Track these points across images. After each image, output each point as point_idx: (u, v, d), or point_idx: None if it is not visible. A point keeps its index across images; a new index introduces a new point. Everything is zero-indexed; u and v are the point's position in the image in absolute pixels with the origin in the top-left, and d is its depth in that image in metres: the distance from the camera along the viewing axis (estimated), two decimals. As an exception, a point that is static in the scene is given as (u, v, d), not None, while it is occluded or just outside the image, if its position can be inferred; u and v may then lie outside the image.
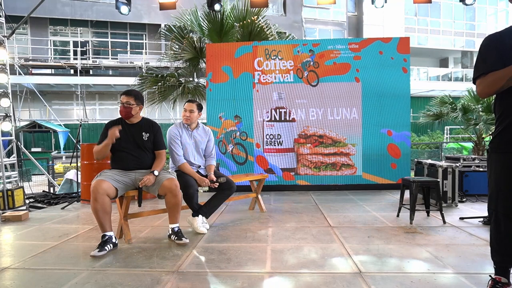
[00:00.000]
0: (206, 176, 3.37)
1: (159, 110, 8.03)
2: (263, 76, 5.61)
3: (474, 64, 1.83)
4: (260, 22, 6.93)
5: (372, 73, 5.48)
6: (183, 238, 2.84)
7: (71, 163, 6.24)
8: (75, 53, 15.59)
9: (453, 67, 23.92)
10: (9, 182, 4.84)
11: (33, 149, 12.25)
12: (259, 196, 4.10)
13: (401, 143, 5.49)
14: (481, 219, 3.44)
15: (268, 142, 5.62)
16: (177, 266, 2.35)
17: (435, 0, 20.46)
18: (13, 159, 4.98)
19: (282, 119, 5.61)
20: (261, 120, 5.63)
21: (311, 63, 5.57)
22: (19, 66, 14.24)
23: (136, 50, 17.06)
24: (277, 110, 5.61)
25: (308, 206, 4.41)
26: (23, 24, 11.48)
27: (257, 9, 6.86)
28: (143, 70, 13.42)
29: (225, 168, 5.61)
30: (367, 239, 2.91)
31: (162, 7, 5.74)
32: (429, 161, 4.62)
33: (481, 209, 4.03)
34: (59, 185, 6.10)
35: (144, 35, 17.67)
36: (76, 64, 15.03)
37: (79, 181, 5.25)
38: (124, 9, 5.72)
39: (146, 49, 17.05)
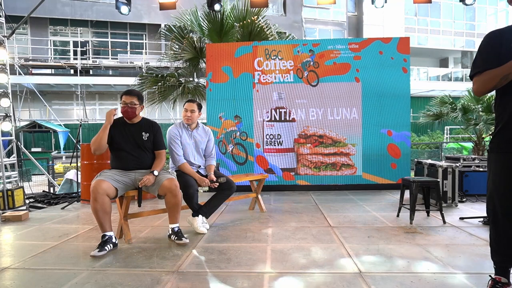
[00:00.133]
0: (206, 176, 3.37)
1: (159, 110, 8.04)
2: (263, 76, 5.61)
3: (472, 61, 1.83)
4: (260, 22, 6.93)
5: (372, 73, 5.48)
6: (183, 238, 2.84)
7: (71, 163, 6.24)
8: (75, 53, 15.59)
9: (453, 67, 23.92)
10: (9, 182, 4.84)
11: (33, 149, 12.25)
12: (259, 196, 4.10)
13: (401, 143, 5.49)
14: (481, 219, 3.44)
15: (268, 142, 5.62)
16: (177, 266, 2.35)
17: (435, 0, 20.46)
18: (13, 159, 4.98)
19: (282, 119, 5.61)
20: (261, 120, 5.63)
21: (311, 63, 5.57)
22: (19, 66, 14.24)
23: (136, 50, 17.06)
24: (277, 110, 5.62)
25: (308, 206, 4.41)
26: (23, 24, 11.48)
27: (257, 9, 6.86)
28: (143, 70, 13.42)
29: (225, 168, 5.61)
30: (367, 239, 2.91)
31: (162, 7, 5.74)
32: (429, 161, 4.62)
33: (481, 209, 4.03)
34: (59, 185, 6.10)
35: (144, 35, 17.67)
36: (76, 64, 15.04)
37: (79, 181, 5.25)
38: (124, 9, 5.73)
39: (146, 49, 17.05)
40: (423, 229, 3.21)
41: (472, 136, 7.49)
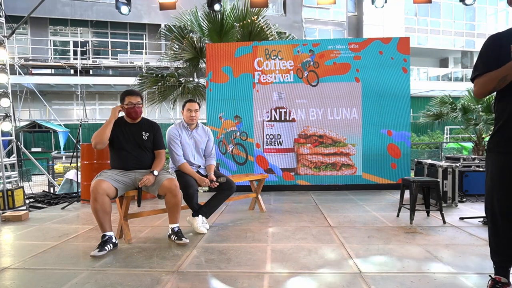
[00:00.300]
0: (206, 176, 3.37)
1: (159, 110, 8.03)
2: (263, 76, 5.61)
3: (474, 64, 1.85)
4: (260, 22, 6.93)
5: (372, 73, 5.48)
6: (183, 238, 2.84)
7: (71, 163, 6.24)
8: (75, 53, 15.59)
9: (453, 67, 23.92)
10: (9, 182, 4.84)
11: (33, 149, 12.25)
12: (259, 196, 4.10)
13: (401, 143, 5.49)
14: (481, 219, 3.44)
15: (268, 142, 5.62)
16: (177, 266, 2.35)
17: (435, 0, 20.46)
18: (13, 159, 4.98)
19: (282, 119, 5.61)
20: (261, 120, 5.63)
21: (311, 63, 5.57)
22: (19, 66, 14.24)
23: (136, 50, 17.06)
24: (277, 110, 5.61)
25: (308, 206, 4.41)
26: (23, 24, 11.48)
27: (257, 9, 6.86)
28: (143, 70, 13.43)
29: (225, 168, 5.61)
30: (367, 239, 2.91)
31: (162, 7, 5.74)
32: (429, 161, 4.62)
33: (481, 209, 4.03)
34: (59, 185, 6.10)
35: (144, 35, 17.67)
36: (76, 64, 15.03)
37: (79, 181, 5.25)
38: (124, 9, 5.73)
39: (146, 49, 17.05)
40: (423, 229, 3.21)
41: (472, 136, 7.49)
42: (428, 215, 3.71)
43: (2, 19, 4.87)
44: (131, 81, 9.53)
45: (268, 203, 4.59)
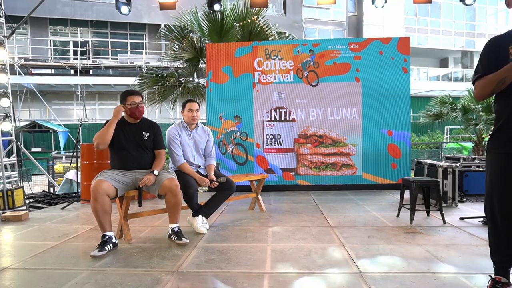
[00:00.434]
0: (206, 176, 3.37)
1: (159, 110, 8.03)
2: (263, 76, 5.61)
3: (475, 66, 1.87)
4: (260, 22, 6.93)
5: (372, 73, 5.48)
6: (183, 238, 2.84)
7: (71, 163, 6.24)
8: (75, 53, 15.59)
9: (453, 67, 23.92)
10: (9, 182, 4.84)
11: (33, 149, 12.25)
12: (259, 196, 4.10)
13: (401, 143, 5.49)
14: (481, 219, 3.44)
15: (268, 142, 5.62)
16: (177, 266, 2.35)
17: (435, 0, 20.46)
18: (13, 159, 4.98)
19: (282, 119, 5.61)
20: (261, 120, 5.63)
21: (311, 63, 5.57)
22: (19, 66, 14.24)
23: (136, 50, 17.06)
24: (277, 110, 5.61)
25: (308, 206, 4.41)
26: (23, 24, 11.48)
27: (257, 9, 6.86)
28: (143, 70, 13.42)
29: (225, 168, 5.61)
30: (367, 239, 2.91)
31: (162, 7, 5.74)
32: (429, 161, 4.62)
33: (481, 209, 4.02)
34: (59, 185, 6.10)
35: (144, 35, 17.67)
36: (76, 64, 15.04)
37: (79, 181, 5.25)
38: (124, 9, 5.73)
39: (146, 49, 17.05)
40: (423, 229, 3.21)
41: (472, 136, 7.49)
42: (428, 215, 3.71)
43: (2, 19, 4.87)
44: (131, 81, 9.53)
45: (268, 203, 4.59)
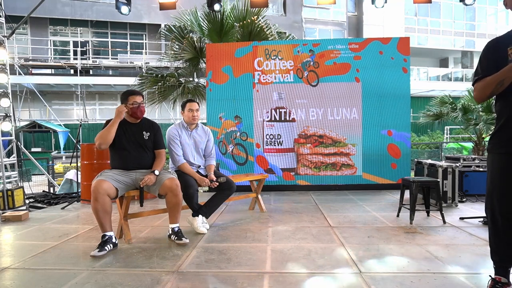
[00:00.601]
0: (206, 176, 3.37)
1: (159, 110, 8.03)
2: (263, 76, 5.61)
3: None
4: (260, 22, 6.93)
5: (372, 73, 5.48)
6: (183, 238, 2.84)
7: (71, 163, 6.24)
8: (75, 53, 15.59)
9: (453, 67, 23.92)
10: (9, 182, 4.84)
11: (33, 149, 12.25)
12: (259, 196, 4.10)
13: (401, 143, 5.49)
14: (481, 219, 3.44)
15: (268, 142, 5.62)
16: (177, 266, 2.35)
17: (435, 0, 20.46)
18: (13, 159, 4.98)
19: (282, 119, 5.61)
20: (261, 120, 5.63)
21: (311, 63, 5.57)
22: (19, 66, 14.24)
23: (136, 50, 17.06)
24: (277, 110, 5.61)
25: (308, 206, 4.41)
26: (23, 24, 11.49)
27: (257, 9, 6.86)
28: (143, 70, 13.42)
29: (225, 168, 5.61)
30: (367, 239, 2.91)
31: (162, 7, 5.74)
32: (429, 161, 4.62)
33: (481, 209, 4.02)
34: (59, 185, 6.10)
35: (144, 35, 17.67)
36: (76, 64, 15.04)
37: (79, 181, 5.25)
38: (124, 9, 5.73)
39: (146, 49, 17.05)
40: (423, 229, 3.21)
41: (472, 136, 7.49)
42: (428, 215, 3.71)
43: (2, 19, 4.87)
44: (131, 81, 9.53)
45: (268, 203, 4.59)
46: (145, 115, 3.10)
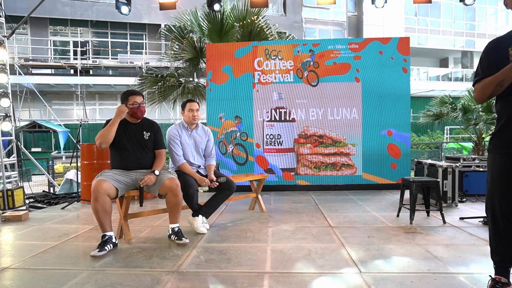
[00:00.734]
0: (206, 176, 3.37)
1: (159, 110, 8.04)
2: (263, 76, 5.61)
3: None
4: (260, 22, 6.93)
5: (372, 73, 5.48)
6: (183, 238, 2.84)
7: (71, 163, 6.24)
8: (75, 53, 15.59)
9: (453, 67, 23.92)
10: (9, 182, 4.84)
11: (33, 149, 12.25)
12: (259, 196, 4.10)
13: (401, 143, 5.49)
14: (481, 219, 3.44)
15: (268, 142, 5.62)
16: (177, 266, 2.35)
17: (435, 0, 20.45)
18: (13, 159, 4.98)
19: (282, 119, 5.61)
20: (261, 120, 5.63)
21: (311, 63, 5.57)
22: (19, 66, 14.24)
23: (136, 50, 17.06)
24: (277, 110, 5.61)
25: (308, 206, 4.41)
26: (23, 24, 11.48)
27: (257, 9, 6.86)
28: (143, 70, 13.42)
29: (225, 169, 5.61)
30: (367, 239, 2.91)
31: (162, 7, 5.74)
32: (429, 161, 4.62)
33: (481, 209, 4.02)
34: (59, 185, 6.10)
35: (144, 35, 17.67)
36: (76, 64, 15.04)
37: (79, 181, 5.25)
38: (124, 9, 5.73)
39: (146, 49, 17.05)
40: (423, 229, 3.21)
41: (472, 136, 7.49)
42: (428, 215, 3.71)
43: (2, 19, 4.87)
44: (131, 81, 9.53)
45: (268, 203, 4.59)
46: (145, 115, 3.10)
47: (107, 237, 2.69)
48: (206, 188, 3.36)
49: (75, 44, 16.14)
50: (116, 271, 2.28)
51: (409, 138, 5.54)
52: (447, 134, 14.53)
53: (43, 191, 6.24)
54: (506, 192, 1.76)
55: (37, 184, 7.06)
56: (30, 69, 15.38)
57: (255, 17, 6.91)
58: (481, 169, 4.87)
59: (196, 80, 7.83)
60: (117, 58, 16.74)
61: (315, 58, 5.56)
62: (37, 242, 3.00)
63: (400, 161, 5.48)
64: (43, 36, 16.55)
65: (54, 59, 16.27)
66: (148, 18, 16.80)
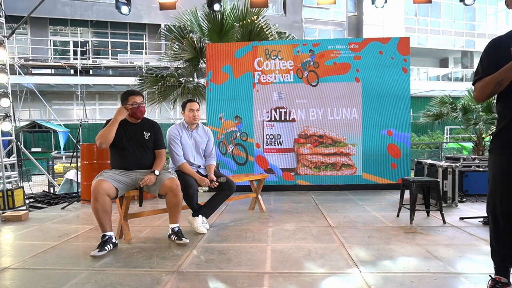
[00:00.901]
0: (206, 176, 3.37)
1: (159, 110, 8.04)
2: (263, 76, 5.61)
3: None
4: (260, 22, 6.93)
5: (372, 73, 5.48)
6: (183, 238, 2.84)
7: (71, 163, 6.24)
8: (75, 53, 15.59)
9: (453, 67, 23.91)
10: (9, 182, 4.84)
11: (33, 149, 12.25)
12: (259, 196, 4.10)
13: (401, 143, 5.49)
14: (481, 219, 3.44)
15: (268, 142, 5.62)
16: (177, 266, 2.35)
17: (435, 0, 20.45)
18: (13, 159, 4.98)
19: (282, 119, 5.61)
20: (261, 120, 5.63)
21: (311, 63, 5.57)
22: (19, 66, 14.24)
23: (136, 50, 17.06)
24: (277, 110, 5.61)
25: (308, 206, 4.41)
26: (23, 24, 11.49)
27: (257, 9, 6.86)
28: (143, 70, 13.42)
29: (226, 169, 5.61)
30: (367, 239, 2.91)
31: (162, 7, 5.74)
32: (429, 161, 4.62)
33: (481, 209, 4.03)
34: (59, 185, 6.10)
35: (144, 35, 17.67)
36: (76, 64, 15.04)
37: (79, 181, 5.25)
38: (124, 9, 5.73)
39: (146, 49, 17.05)
40: (423, 229, 3.21)
41: (472, 136, 7.49)
42: (428, 215, 3.71)
43: (2, 19, 4.86)
44: (131, 81, 9.53)
45: (268, 203, 4.59)
46: (145, 115, 3.10)
47: (107, 237, 2.69)
48: (206, 188, 3.36)
49: (75, 44, 16.14)
50: (116, 271, 2.28)
51: (409, 138, 5.54)
52: (447, 134, 14.54)
53: (43, 191, 6.24)
54: (507, 192, 1.76)
55: (37, 184, 7.06)
56: (30, 69, 15.38)
57: (255, 17, 6.91)
58: (481, 169, 4.87)
59: (196, 80, 7.83)
60: (117, 58, 16.74)
61: (315, 58, 5.56)
62: (37, 242, 3.00)
63: (400, 161, 5.48)
64: (43, 36, 16.55)
65: (54, 59, 16.27)
66: (148, 18, 16.80)
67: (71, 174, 5.87)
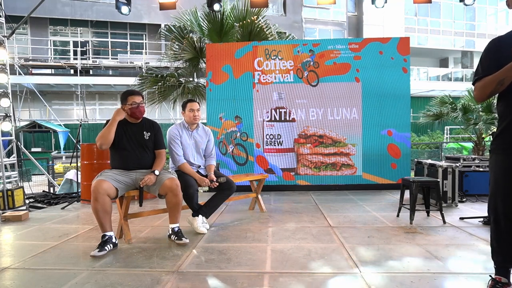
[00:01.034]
0: (206, 176, 3.37)
1: (159, 110, 8.04)
2: (263, 76, 5.61)
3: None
4: (260, 22, 6.93)
5: (372, 73, 5.48)
6: (183, 238, 2.84)
7: (71, 163, 6.24)
8: (75, 53, 15.59)
9: (453, 67, 23.91)
10: (9, 182, 4.84)
11: (33, 149, 12.25)
12: (259, 196, 4.10)
13: (401, 143, 5.49)
14: (481, 219, 3.44)
15: (268, 142, 5.62)
16: (177, 266, 2.35)
17: (435, 0, 20.45)
18: (13, 159, 4.98)
19: (282, 119, 5.61)
20: (261, 120, 5.63)
21: (311, 63, 5.57)
22: (19, 66, 14.24)
23: (136, 50, 17.06)
24: (277, 110, 5.61)
25: (308, 206, 4.41)
26: (23, 24, 11.48)
27: (257, 9, 6.86)
28: (143, 70, 13.41)
29: (226, 169, 5.61)
30: (367, 239, 2.91)
31: (162, 7, 5.74)
32: (429, 161, 4.62)
33: (481, 209, 4.03)
34: (59, 185, 6.10)
35: (144, 35, 17.67)
36: (76, 64, 15.04)
37: (79, 181, 5.25)
38: (124, 9, 5.73)
39: (146, 49, 17.05)
40: (423, 229, 3.21)
41: (472, 136, 7.49)
42: (428, 215, 3.71)
43: (2, 19, 4.86)
44: (131, 81, 9.53)
45: (268, 203, 4.59)
46: (145, 115, 3.10)
47: (107, 237, 2.69)
48: (206, 188, 3.36)
49: (75, 44, 16.14)
50: (116, 271, 2.28)
51: (409, 138, 5.54)
52: (447, 134, 14.54)
53: (43, 191, 6.24)
54: (509, 192, 1.76)
55: (37, 184, 7.07)
56: (30, 69, 15.38)
57: (255, 17, 6.91)
58: (481, 169, 4.87)
59: (196, 80, 7.83)
60: (117, 58, 16.74)
61: (315, 58, 5.56)
62: (37, 242, 3.00)
63: (400, 161, 5.48)
64: (43, 36, 16.55)
65: (54, 59, 16.27)
66: (148, 18, 16.80)
67: (71, 174, 5.87)
